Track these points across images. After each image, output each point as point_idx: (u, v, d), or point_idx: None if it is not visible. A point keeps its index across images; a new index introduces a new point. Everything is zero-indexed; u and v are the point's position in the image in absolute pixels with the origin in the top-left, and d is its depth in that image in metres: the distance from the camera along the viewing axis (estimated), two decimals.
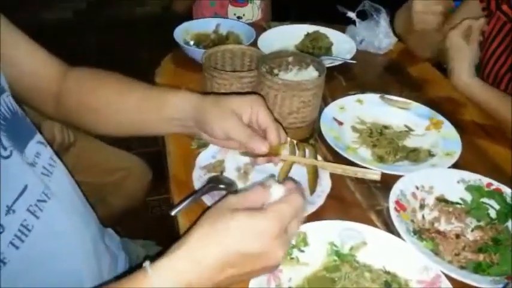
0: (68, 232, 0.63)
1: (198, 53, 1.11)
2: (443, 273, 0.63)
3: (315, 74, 0.91)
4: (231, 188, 0.78)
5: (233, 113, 0.69)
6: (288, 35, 1.25)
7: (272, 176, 0.74)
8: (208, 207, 0.53)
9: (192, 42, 1.21)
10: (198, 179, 0.78)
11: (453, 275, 0.63)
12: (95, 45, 2.64)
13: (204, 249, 0.48)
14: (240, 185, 0.80)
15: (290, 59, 0.95)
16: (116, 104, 0.77)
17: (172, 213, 0.71)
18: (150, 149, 1.82)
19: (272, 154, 0.72)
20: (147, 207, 1.38)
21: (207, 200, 0.73)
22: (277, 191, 0.54)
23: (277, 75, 0.93)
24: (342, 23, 1.33)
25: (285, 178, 0.80)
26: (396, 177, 0.79)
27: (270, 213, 0.50)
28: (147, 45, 2.71)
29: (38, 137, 0.64)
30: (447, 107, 1.04)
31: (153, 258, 0.49)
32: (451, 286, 0.61)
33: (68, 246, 0.64)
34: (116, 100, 0.77)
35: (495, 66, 1.11)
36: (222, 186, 0.77)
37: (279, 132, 0.71)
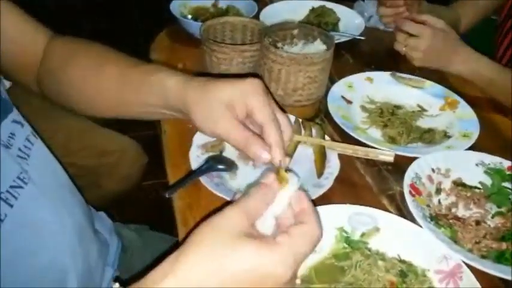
0: (47, 221, 0.57)
1: (196, 27, 1.03)
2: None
3: (323, 47, 0.85)
4: (230, 169, 0.72)
5: (224, 108, 0.56)
6: (292, 10, 1.18)
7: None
8: (204, 218, 0.40)
9: (189, 17, 1.13)
10: (196, 159, 0.72)
11: (475, 265, 0.57)
12: (84, 12, 2.57)
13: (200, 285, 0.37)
14: (240, 165, 0.74)
15: (295, 31, 0.88)
16: (93, 81, 0.68)
17: (168, 195, 0.65)
18: (147, 132, 1.76)
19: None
20: (143, 191, 1.32)
21: (205, 181, 0.67)
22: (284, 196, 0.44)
23: (281, 48, 0.86)
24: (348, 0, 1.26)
25: (292, 154, 0.74)
26: (408, 160, 0.73)
27: (283, 251, 0.38)
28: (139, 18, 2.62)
29: (14, 115, 0.57)
30: (463, 86, 0.97)
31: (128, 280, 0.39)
32: (473, 277, 0.55)
33: (47, 237, 0.57)
34: (93, 76, 0.68)
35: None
36: (221, 166, 0.71)
37: (282, 129, 0.58)
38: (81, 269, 0.62)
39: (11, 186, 0.51)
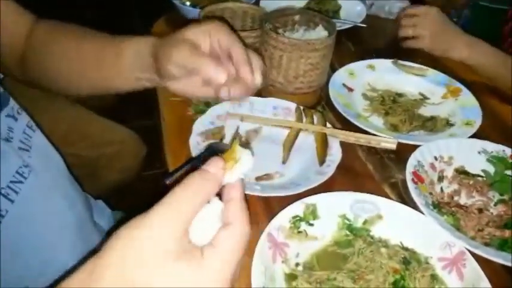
0: (48, 216, 0.56)
1: (194, 13, 1.02)
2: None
3: (324, 34, 0.83)
4: None
5: (186, 42, 0.55)
6: None
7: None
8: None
9: (188, 3, 1.11)
10: (196, 146, 0.71)
11: (478, 252, 0.56)
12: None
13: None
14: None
15: (297, 17, 0.87)
16: (73, 59, 0.66)
17: (167, 181, 0.64)
18: (146, 122, 1.75)
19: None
20: (141, 181, 1.31)
21: None
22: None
23: (282, 34, 0.85)
24: None
25: (291, 146, 0.73)
26: (410, 148, 0.73)
27: (211, 269, 0.33)
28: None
29: (8, 109, 0.56)
30: (465, 74, 0.96)
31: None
32: (476, 264, 0.55)
33: (48, 233, 0.57)
34: (73, 54, 0.66)
35: None
36: (221, 154, 0.70)
37: (248, 52, 0.55)
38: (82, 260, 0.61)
39: (12, 181, 0.51)
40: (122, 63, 0.63)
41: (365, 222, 0.61)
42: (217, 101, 0.77)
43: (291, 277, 0.54)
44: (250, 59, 0.54)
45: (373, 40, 1.08)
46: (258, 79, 0.54)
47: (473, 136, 0.77)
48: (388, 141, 0.70)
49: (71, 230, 0.61)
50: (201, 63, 0.52)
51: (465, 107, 0.84)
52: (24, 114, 0.58)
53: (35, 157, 0.55)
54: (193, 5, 1.11)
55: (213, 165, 0.36)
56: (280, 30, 0.87)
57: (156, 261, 0.31)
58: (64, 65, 0.67)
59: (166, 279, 0.31)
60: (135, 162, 1.21)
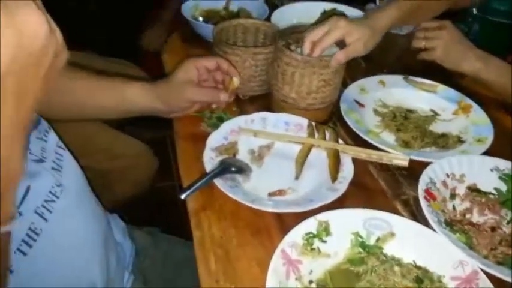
0: (78, 233, 0.58)
1: (207, 29, 1.04)
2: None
3: (336, 50, 0.84)
4: (244, 172, 0.72)
5: (184, 83, 0.76)
6: (303, 13, 1.17)
7: None
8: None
9: (201, 19, 1.14)
10: (209, 161, 0.72)
11: (492, 272, 0.57)
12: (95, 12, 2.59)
13: None
14: (254, 168, 0.74)
15: None
16: (67, 90, 0.73)
17: (183, 196, 0.65)
18: (155, 134, 1.76)
19: (232, 90, 0.81)
20: (152, 193, 1.32)
21: (219, 183, 0.67)
22: None
23: (293, 51, 0.86)
24: (360, 3, 1.26)
25: (303, 162, 0.74)
26: (422, 165, 0.73)
27: None
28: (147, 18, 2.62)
29: (38, 130, 0.58)
30: (476, 89, 0.97)
31: None
32: (490, 284, 0.55)
33: (79, 249, 0.59)
34: (67, 85, 0.73)
35: None
36: (234, 169, 0.71)
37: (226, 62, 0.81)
38: (106, 278, 0.62)
39: (46, 201, 0.52)
40: (121, 103, 0.75)
41: (378, 239, 0.61)
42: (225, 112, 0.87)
43: None
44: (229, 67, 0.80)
45: (383, 56, 1.09)
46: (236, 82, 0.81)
47: (486, 153, 0.78)
48: (400, 158, 0.71)
49: (99, 246, 0.63)
50: (209, 95, 0.77)
51: (477, 124, 0.84)
52: (52, 133, 0.60)
53: (65, 176, 0.57)
54: (205, 21, 1.13)
55: None
56: (292, 47, 0.88)
57: None
58: (71, 100, 0.72)
59: None
60: (147, 175, 1.23)
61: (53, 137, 0.60)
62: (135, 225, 0.88)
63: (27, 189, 0.51)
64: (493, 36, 1.58)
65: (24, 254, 0.49)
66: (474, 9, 1.36)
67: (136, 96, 0.75)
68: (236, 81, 0.80)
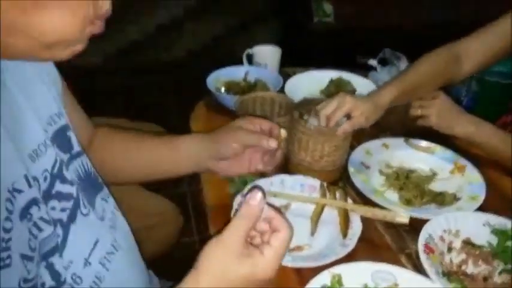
0: (132, 284, 0.67)
1: (228, 100, 1.18)
2: None
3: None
4: None
5: (238, 127, 0.83)
6: (313, 81, 1.31)
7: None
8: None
9: (223, 89, 1.28)
10: None
11: None
12: (123, 89, 2.77)
13: None
14: None
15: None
16: (134, 152, 0.85)
17: None
18: (176, 190, 1.86)
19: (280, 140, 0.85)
20: (177, 248, 1.39)
21: None
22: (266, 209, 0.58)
23: (306, 120, 0.99)
24: (363, 69, 1.40)
25: (318, 220, 0.85)
26: (422, 221, 0.83)
27: (270, 260, 0.54)
28: (172, 89, 2.83)
29: (105, 192, 0.70)
30: (470, 150, 1.07)
31: None
32: None
33: None
34: (134, 148, 0.85)
35: None
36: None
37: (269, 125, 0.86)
38: None
39: (107, 253, 0.63)
40: (178, 157, 0.81)
41: None
42: (249, 175, 0.94)
43: None
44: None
45: (386, 119, 1.21)
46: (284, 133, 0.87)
47: (479, 209, 0.88)
48: (402, 216, 0.82)
49: None
50: (259, 138, 0.81)
51: (471, 183, 0.95)
52: (111, 197, 0.72)
53: (119, 233, 0.68)
54: (227, 91, 1.28)
55: (255, 200, 0.55)
56: (305, 116, 1.01)
57: (233, 259, 0.53)
58: (125, 164, 0.83)
59: (241, 271, 0.52)
60: (174, 232, 1.29)
61: (112, 200, 0.72)
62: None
63: (97, 241, 0.61)
64: (491, 96, 1.70)
65: None
66: None
67: (190, 147, 0.83)
68: (284, 132, 0.87)
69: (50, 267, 0.53)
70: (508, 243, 0.79)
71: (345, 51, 1.88)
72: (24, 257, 0.47)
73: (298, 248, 0.80)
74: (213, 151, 0.83)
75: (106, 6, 0.51)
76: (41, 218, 0.51)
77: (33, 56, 0.51)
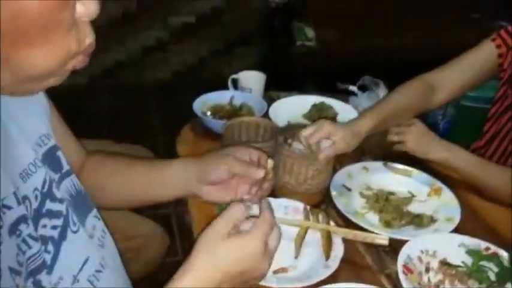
0: None
1: (215, 124, 1.22)
2: None
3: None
4: None
5: (227, 154, 0.83)
6: (296, 105, 1.36)
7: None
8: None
9: (208, 113, 1.31)
10: None
11: None
12: (107, 109, 2.78)
13: (206, 273, 0.59)
14: None
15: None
16: (122, 177, 0.86)
17: None
18: (161, 211, 1.87)
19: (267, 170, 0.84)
20: (162, 268, 1.40)
21: None
22: (255, 207, 0.67)
23: (290, 144, 1.03)
24: (344, 93, 1.46)
25: (301, 243, 0.88)
26: (402, 242, 0.87)
27: (253, 234, 0.61)
28: (157, 110, 2.86)
29: (95, 211, 0.72)
30: (446, 172, 1.12)
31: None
32: None
33: None
34: (122, 173, 0.86)
35: (503, 142, 1.20)
36: None
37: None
38: None
39: (96, 271, 0.64)
40: (168, 181, 0.82)
41: None
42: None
43: None
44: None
45: (366, 143, 1.26)
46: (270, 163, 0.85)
47: (454, 230, 0.92)
48: (381, 238, 0.85)
49: None
50: (247, 167, 0.81)
51: (447, 205, 1.00)
52: (101, 218, 0.73)
53: (107, 252, 0.69)
54: (212, 114, 1.31)
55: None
56: (289, 141, 1.05)
57: (219, 241, 0.60)
58: (115, 188, 0.84)
59: (229, 251, 0.60)
60: (160, 254, 1.31)
61: (101, 220, 0.74)
62: None
63: (87, 259, 0.63)
64: (467, 120, 1.77)
65: None
66: None
67: (178, 170, 0.84)
68: (270, 163, 0.84)
69: (37, 284, 0.54)
70: (482, 263, 0.83)
71: (327, 74, 1.95)
72: (12, 270, 0.49)
73: (283, 270, 0.83)
74: (201, 174, 0.82)
75: (90, 40, 0.49)
76: (30, 235, 0.53)
77: (5, 90, 0.48)
